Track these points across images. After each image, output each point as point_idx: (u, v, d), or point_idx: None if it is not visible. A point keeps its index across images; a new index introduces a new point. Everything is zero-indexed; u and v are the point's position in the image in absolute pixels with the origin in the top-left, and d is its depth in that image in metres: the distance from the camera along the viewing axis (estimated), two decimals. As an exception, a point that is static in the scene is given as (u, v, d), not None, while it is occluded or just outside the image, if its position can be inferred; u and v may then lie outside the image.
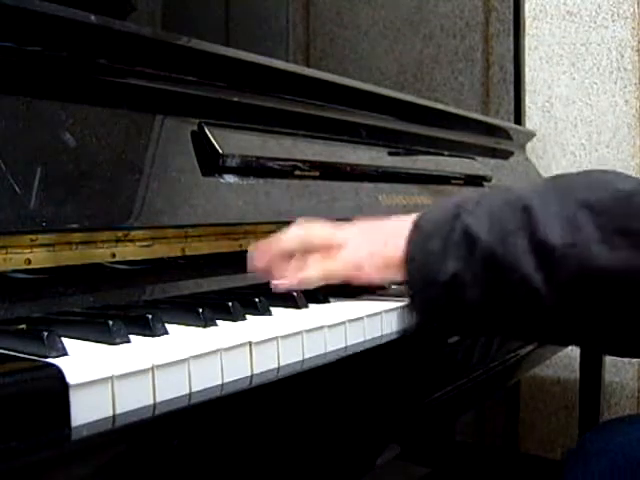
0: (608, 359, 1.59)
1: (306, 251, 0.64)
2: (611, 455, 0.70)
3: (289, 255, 0.64)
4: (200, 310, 0.52)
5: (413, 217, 0.61)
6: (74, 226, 0.57)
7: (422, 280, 0.58)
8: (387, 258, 0.61)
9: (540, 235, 0.52)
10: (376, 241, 0.63)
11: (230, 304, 0.55)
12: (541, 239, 0.52)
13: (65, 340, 0.43)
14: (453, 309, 0.58)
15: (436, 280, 0.56)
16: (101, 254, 0.59)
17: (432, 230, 0.58)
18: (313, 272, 0.63)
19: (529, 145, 1.69)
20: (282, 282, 0.63)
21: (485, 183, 1.31)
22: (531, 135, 1.68)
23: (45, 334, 0.41)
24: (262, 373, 0.48)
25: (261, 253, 0.65)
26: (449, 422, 1.52)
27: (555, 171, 1.73)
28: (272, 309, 0.58)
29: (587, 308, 0.53)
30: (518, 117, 1.69)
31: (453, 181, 1.21)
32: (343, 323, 0.56)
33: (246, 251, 0.70)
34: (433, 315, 0.61)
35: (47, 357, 0.40)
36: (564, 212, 0.53)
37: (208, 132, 0.73)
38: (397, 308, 0.63)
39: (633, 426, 0.74)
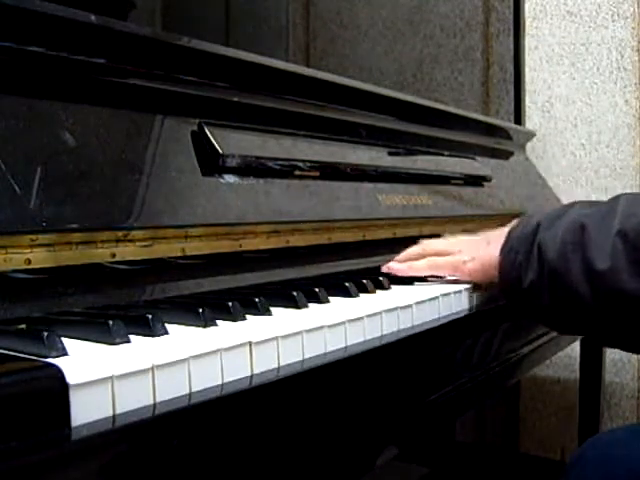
0: (608, 359, 1.59)
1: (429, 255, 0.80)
2: (611, 466, 0.70)
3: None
4: (200, 310, 0.52)
5: (505, 229, 0.74)
6: (74, 226, 0.57)
7: (512, 286, 0.71)
8: (485, 262, 0.75)
9: (589, 256, 0.63)
10: (480, 246, 0.77)
11: (230, 304, 0.55)
12: (589, 260, 0.63)
13: (65, 340, 0.43)
14: (532, 309, 0.71)
15: (520, 288, 0.69)
16: (101, 254, 0.59)
17: (518, 244, 0.70)
18: (421, 263, 0.78)
19: (529, 145, 1.69)
20: (395, 266, 0.79)
21: (485, 183, 1.31)
22: (531, 135, 1.67)
23: (45, 334, 0.41)
24: (262, 373, 0.48)
25: (391, 264, 0.81)
26: (449, 422, 1.52)
27: (555, 171, 1.73)
28: (272, 309, 0.58)
29: (620, 320, 0.64)
30: (518, 117, 1.69)
31: (453, 181, 1.21)
32: (343, 323, 0.56)
33: (246, 251, 0.71)
34: (519, 313, 0.76)
35: (47, 357, 0.40)
36: (608, 237, 0.62)
37: (208, 132, 0.73)
38: (396, 308, 0.63)
39: (634, 437, 0.74)
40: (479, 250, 0.77)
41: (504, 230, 0.74)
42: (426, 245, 0.82)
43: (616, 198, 0.67)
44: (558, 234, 0.66)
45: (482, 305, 0.78)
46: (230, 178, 0.75)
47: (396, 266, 0.79)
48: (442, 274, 0.79)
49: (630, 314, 0.62)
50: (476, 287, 0.78)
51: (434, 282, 0.79)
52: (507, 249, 0.71)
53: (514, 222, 0.74)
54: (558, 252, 0.65)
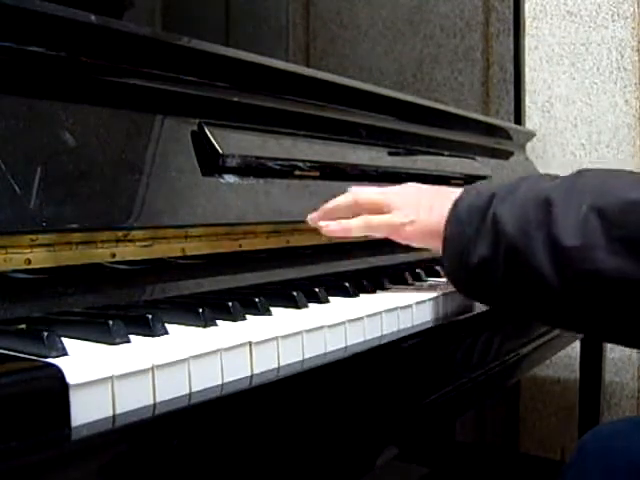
0: (608, 359, 1.59)
1: (355, 213, 0.72)
2: (611, 458, 0.70)
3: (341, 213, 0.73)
4: (200, 310, 0.52)
5: (456, 194, 0.66)
6: (74, 226, 0.57)
7: (457, 261, 0.64)
8: (429, 228, 0.68)
9: (555, 233, 0.57)
10: (422, 209, 0.69)
11: (230, 304, 0.55)
12: (555, 237, 0.56)
13: (65, 340, 0.43)
14: (480, 288, 0.64)
15: (468, 263, 0.62)
16: (101, 254, 0.59)
17: (467, 216, 0.63)
18: (356, 222, 0.71)
19: (529, 145, 1.69)
20: (327, 225, 0.71)
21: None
22: (531, 135, 1.67)
23: (45, 334, 0.41)
24: (262, 373, 0.48)
25: (317, 215, 0.74)
26: (449, 422, 1.52)
27: (555, 171, 1.72)
28: (272, 309, 0.58)
29: (589, 302, 0.57)
30: (518, 117, 1.69)
31: (453, 181, 1.21)
32: (343, 323, 0.56)
33: (246, 251, 0.71)
34: (464, 291, 0.68)
35: (47, 357, 0.40)
36: (578, 213, 0.56)
37: (208, 132, 0.73)
38: (396, 308, 0.63)
39: (634, 429, 0.74)
40: (419, 213, 0.69)
41: (449, 195, 0.67)
42: (357, 195, 0.73)
43: (578, 173, 0.62)
44: (517, 208, 0.60)
45: (482, 305, 0.78)
46: (230, 178, 0.75)
47: (330, 226, 0.71)
48: (377, 235, 0.73)
49: (604, 297, 0.56)
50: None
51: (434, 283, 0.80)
52: (453, 220, 0.64)
53: (458, 190, 0.68)
54: (519, 228, 0.59)
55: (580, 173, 0.62)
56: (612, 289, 0.55)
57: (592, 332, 0.68)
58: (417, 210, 0.69)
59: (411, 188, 0.74)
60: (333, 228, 0.71)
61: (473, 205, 0.64)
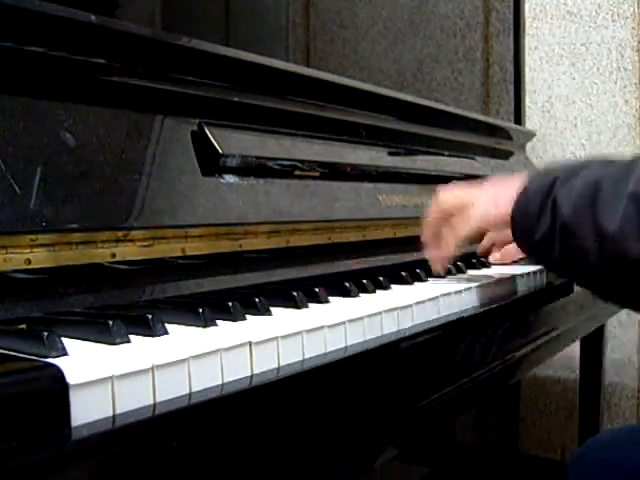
0: (608, 359, 1.59)
1: (446, 217, 0.80)
2: (611, 467, 0.70)
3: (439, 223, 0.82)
4: (200, 310, 0.52)
5: (525, 178, 0.73)
6: (74, 226, 0.57)
7: (524, 236, 0.72)
8: (501, 215, 0.74)
9: (600, 217, 0.63)
10: (495, 201, 0.76)
11: (230, 304, 0.55)
12: (600, 221, 0.63)
13: (65, 340, 0.43)
14: (543, 260, 0.75)
15: (532, 238, 0.70)
16: (101, 254, 0.59)
17: (533, 195, 0.70)
18: (450, 240, 0.79)
19: (529, 145, 1.69)
20: (436, 257, 0.81)
21: (485, 183, 1.31)
22: (531, 135, 1.67)
23: (45, 334, 0.41)
24: (262, 373, 0.48)
25: (425, 233, 0.83)
26: (449, 422, 1.52)
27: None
28: (272, 309, 0.58)
29: (621, 283, 0.64)
30: (518, 117, 1.69)
31: (453, 181, 1.20)
32: (343, 323, 0.56)
33: (246, 251, 0.71)
34: (533, 261, 0.80)
35: (47, 357, 0.40)
36: (621, 199, 0.61)
37: (208, 132, 0.73)
38: (396, 308, 0.63)
39: (634, 437, 0.74)
40: (494, 202, 0.76)
41: (520, 178, 0.74)
42: (440, 200, 0.81)
43: (631, 161, 0.66)
44: (573, 191, 0.66)
45: (482, 305, 0.78)
46: (230, 178, 0.75)
47: (441, 262, 0.81)
48: (471, 236, 0.80)
49: (632, 277, 0.62)
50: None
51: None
52: (523, 199, 0.71)
53: (533, 173, 0.75)
54: (572, 208, 0.66)
55: (637, 158, 0.66)
56: (636, 271, 0.61)
57: (628, 306, 0.76)
58: (495, 198, 0.76)
59: (486, 184, 0.82)
60: (441, 256, 0.81)
61: (539, 187, 0.70)
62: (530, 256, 0.76)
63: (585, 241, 0.64)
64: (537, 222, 0.69)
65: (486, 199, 0.77)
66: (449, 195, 0.81)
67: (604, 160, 0.71)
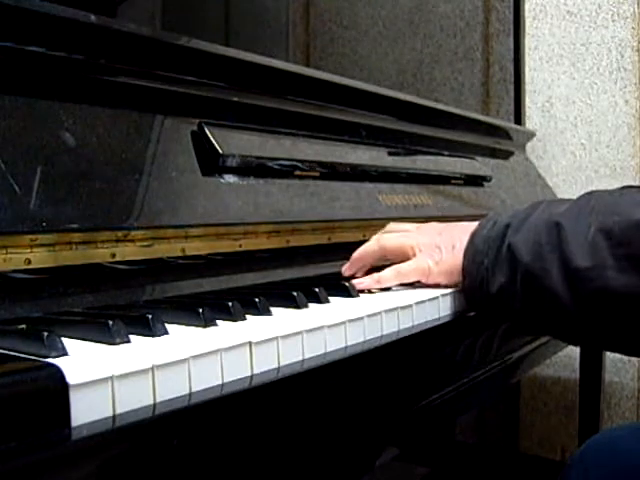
0: (608, 359, 1.59)
1: (382, 258, 0.75)
2: (613, 465, 0.70)
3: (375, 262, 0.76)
4: (200, 310, 0.52)
5: (472, 228, 0.70)
6: (74, 226, 0.57)
7: (478, 290, 0.67)
8: (451, 266, 0.71)
9: (567, 254, 0.60)
10: (444, 247, 0.72)
11: (230, 304, 0.55)
12: (567, 258, 0.60)
13: (65, 340, 0.43)
14: (501, 314, 0.69)
15: (488, 292, 0.66)
16: (101, 254, 0.59)
17: (484, 247, 0.67)
18: (387, 273, 0.72)
19: (529, 145, 1.69)
20: (361, 282, 0.71)
21: (485, 183, 1.31)
22: (531, 135, 1.67)
23: (45, 334, 0.41)
24: (262, 373, 0.48)
25: (347, 267, 0.77)
26: (449, 422, 1.52)
27: (555, 171, 1.73)
28: (272, 309, 0.58)
29: (601, 318, 0.61)
30: (518, 117, 1.69)
31: (453, 181, 1.21)
32: (343, 323, 0.56)
33: (246, 251, 0.71)
34: (485, 318, 0.73)
35: (47, 357, 0.40)
36: (587, 234, 0.60)
37: (208, 132, 0.73)
38: (396, 308, 0.63)
39: (635, 437, 0.74)
40: (442, 252, 0.72)
41: (468, 230, 0.71)
42: (382, 242, 0.75)
43: (587, 195, 0.65)
44: (530, 235, 0.63)
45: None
46: (230, 178, 0.75)
47: (364, 283, 0.72)
48: (408, 281, 0.74)
49: (615, 312, 0.59)
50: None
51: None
52: (472, 252, 0.68)
53: (474, 224, 0.71)
54: (533, 253, 0.62)
55: (589, 195, 0.65)
56: (621, 304, 0.58)
57: (605, 346, 0.73)
58: (440, 250, 0.72)
59: (431, 227, 0.77)
60: (367, 284, 0.71)
61: (489, 237, 0.67)
62: (483, 311, 0.70)
63: (554, 283, 0.61)
64: (492, 274, 0.65)
65: (430, 251, 0.72)
66: (393, 239, 0.76)
67: (550, 201, 0.68)
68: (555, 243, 0.61)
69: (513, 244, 0.64)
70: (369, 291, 0.71)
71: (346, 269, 0.77)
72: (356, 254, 0.76)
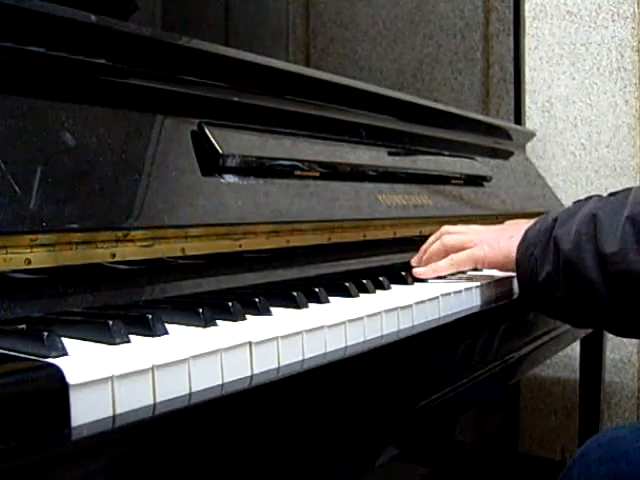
0: (608, 359, 1.59)
1: (447, 254, 0.82)
2: (614, 464, 0.70)
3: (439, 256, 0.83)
4: (200, 310, 0.52)
5: (526, 225, 0.76)
6: (74, 226, 0.57)
7: (527, 279, 0.73)
8: (505, 255, 0.77)
9: (600, 242, 0.66)
10: (501, 239, 0.79)
11: (230, 304, 0.55)
12: (600, 246, 0.65)
13: (65, 340, 0.43)
14: (547, 303, 0.74)
15: (536, 280, 0.72)
16: (101, 254, 0.59)
17: (534, 239, 0.73)
18: (444, 262, 0.81)
19: (529, 145, 1.69)
20: (419, 271, 0.81)
21: (485, 183, 1.31)
22: (531, 135, 1.67)
23: (45, 334, 0.41)
24: (262, 373, 0.48)
25: (415, 261, 0.86)
26: (449, 422, 1.52)
27: (555, 171, 1.73)
28: (272, 309, 0.58)
29: (629, 304, 0.65)
30: (518, 117, 1.69)
31: (453, 181, 1.21)
32: (343, 323, 0.56)
33: (246, 251, 0.71)
34: (537, 307, 0.78)
35: (47, 357, 0.40)
36: (618, 223, 0.65)
37: (208, 132, 0.73)
38: (396, 308, 0.63)
39: (635, 436, 0.74)
40: (499, 242, 0.79)
41: (520, 224, 0.78)
42: (444, 241, 0.83)
43: (628, 189, 0.69)
44: (573, 227, 0.68)
45: (482, 305, 0.78)
46: (230, 178, 0.75)
47: (421, 270, 0.81)
48: (463, 269, 0.82)
49: (637, 294, 0.63)
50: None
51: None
52: (524, 245, 0.74)
53: (532, 221, 0.77)
54: (573, 243, 0.67)
55: (629, 189, 0.69)
56: None
57: (634, 333, 0.75)
58: (498, 240, 0.79)
59: (491, 227, 0.86)
60: (425, 272, 0.81)
61: (539, 230, 0.73)
62: (533, 300, 0.76)
63: (588, 269, 0.66)
64: (541, 264, 0.71)
65: (488, 242, 0.80)
66: (455, 238, 0.83)
67: (599, 197, 0.73)
68: (592, 233, 0.66)
69: (558, 236, 0.69)
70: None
71: (413, 263, 0.86)
72: (421, 253, 0.85)
